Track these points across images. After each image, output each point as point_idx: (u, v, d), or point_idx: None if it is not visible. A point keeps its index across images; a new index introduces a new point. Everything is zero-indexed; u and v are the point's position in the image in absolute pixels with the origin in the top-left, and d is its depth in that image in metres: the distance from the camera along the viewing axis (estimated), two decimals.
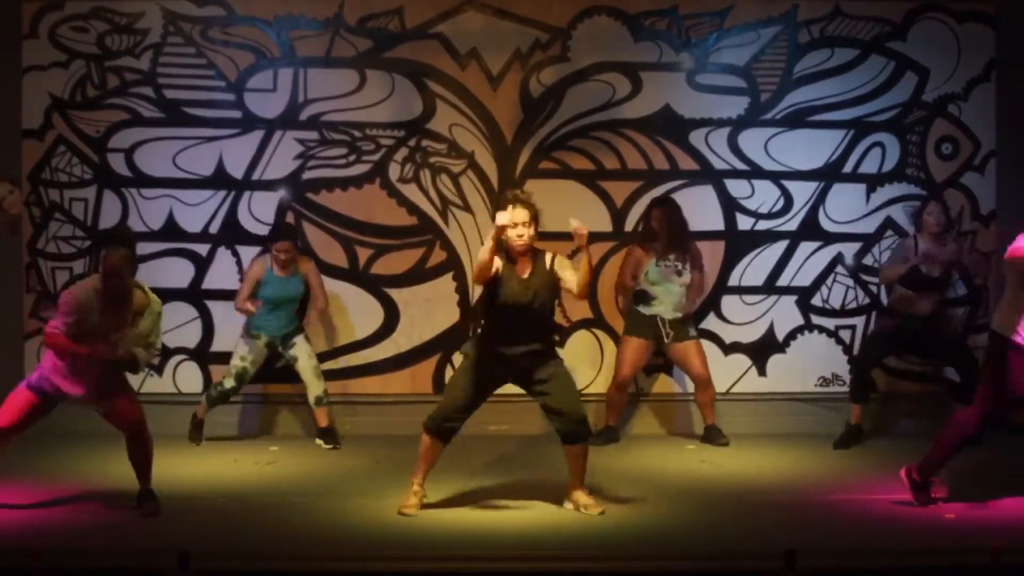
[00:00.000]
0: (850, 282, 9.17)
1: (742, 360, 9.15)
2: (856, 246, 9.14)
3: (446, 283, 9.03)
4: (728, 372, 9.10)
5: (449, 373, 8.88)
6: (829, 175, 9.14)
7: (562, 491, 6.78)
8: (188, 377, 8.97)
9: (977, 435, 6.70)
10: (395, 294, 9.05)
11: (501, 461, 7.96)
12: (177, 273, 8.93)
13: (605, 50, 9.04)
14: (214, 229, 8.97)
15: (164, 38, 8.91)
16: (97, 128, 8.92)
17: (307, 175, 9.00)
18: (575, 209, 8.88)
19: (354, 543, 6.06)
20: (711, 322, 9.11)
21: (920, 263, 8.32)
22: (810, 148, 9.12)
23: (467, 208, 9.04)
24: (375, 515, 6.57)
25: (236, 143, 8.96)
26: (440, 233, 9.05)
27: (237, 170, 8.96)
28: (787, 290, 9.15)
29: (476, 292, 8.75)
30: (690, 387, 8.87)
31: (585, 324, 9.06)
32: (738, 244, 9.14)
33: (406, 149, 9.03)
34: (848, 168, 9.15)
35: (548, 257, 6.62)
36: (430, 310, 9.02)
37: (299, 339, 8.55)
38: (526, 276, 6.54)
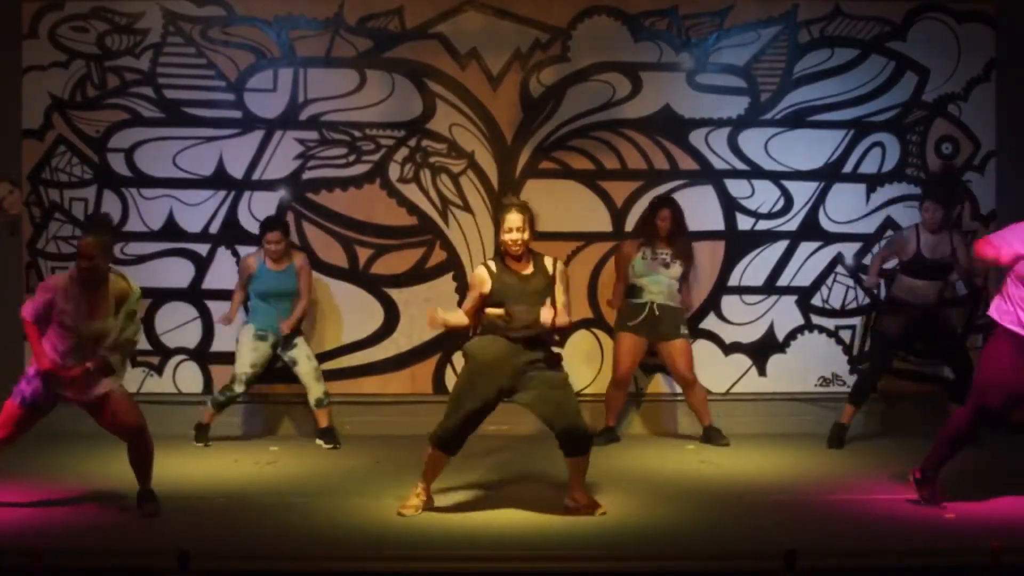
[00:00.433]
0: (850, 282, 9.17)
1: (742, 360, 9.14)
2: (856, 246, 9.14)
3: (446, 283, 9.03)
4: (728, 372, 9.11)
5: (449, 373, 8.88)
6: (829, 175, 9.14)
7: (562, 491, 6.77)
8: (188, 377, 8.97)
9: (973, 433, 6.71)
10: (395, 294, 9.04)
11: (501, 461, 7.96)
12: (177, 273, 8.94)
13: (605, 50, 9.04)
14: (214, 229, 8.97)
15: (164, 38, 8.91)
16: (97, 128, 8.92)
17: (307, 175, 9.00)
18: (575, 209, 8.97)
19: (354, 543, 6.06)
20: (711, 322, 9.11)
21: (922, 251, 8.33)
22: (810, 148, 9.12)
23: (467, 208, 9.04)
24: (375, 515, 6.57)
25: (236, 143, 8.96)
26: (440, 233, 9.04)
27: (237, 170, 8.96)
28: (787, 290, 9.15)
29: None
30: None
31: (585, 324, 9.05)
32: (738, 244, 9.13)
33: (406, 149, 9.02)
34: (848, 168, 9.15)
35: (550, 262, 6.61)
36: None
37: (299, 340, 8.53)
38: (527, 273, 6.52)
